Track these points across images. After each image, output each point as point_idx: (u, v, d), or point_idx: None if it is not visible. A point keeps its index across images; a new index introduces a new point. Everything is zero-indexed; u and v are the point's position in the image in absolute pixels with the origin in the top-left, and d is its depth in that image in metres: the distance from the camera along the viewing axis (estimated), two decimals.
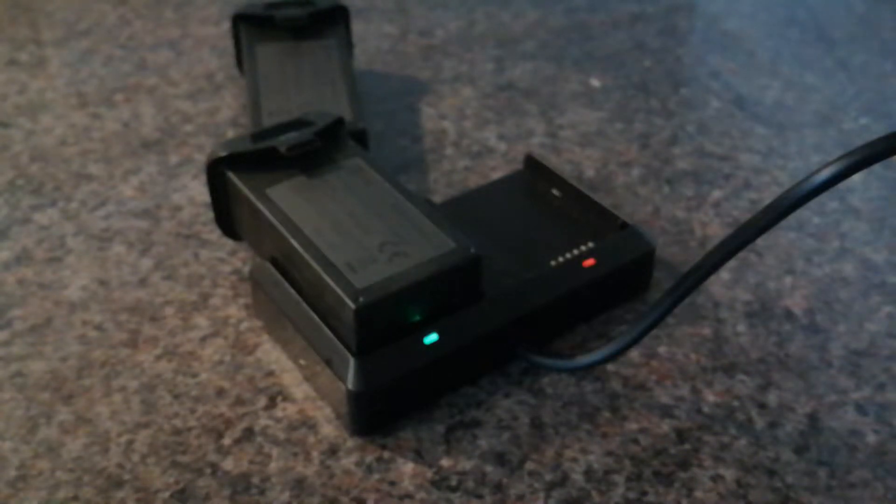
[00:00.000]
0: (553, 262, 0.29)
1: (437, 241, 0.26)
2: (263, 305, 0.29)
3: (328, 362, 0.25)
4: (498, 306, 0.27)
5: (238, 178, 0.29)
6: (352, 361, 0.25)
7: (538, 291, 0.28)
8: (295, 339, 0.27)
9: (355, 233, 0.26)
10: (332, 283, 0.25)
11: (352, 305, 0.24)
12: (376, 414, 0.26)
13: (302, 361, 0.27)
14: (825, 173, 0.21)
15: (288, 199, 0.28)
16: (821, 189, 0.21)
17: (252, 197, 0.28)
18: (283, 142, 0.29)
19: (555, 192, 0.32)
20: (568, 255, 0.29)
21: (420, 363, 0.25)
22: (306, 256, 0.26)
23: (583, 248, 0.29)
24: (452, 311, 0.26)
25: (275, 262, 0.28)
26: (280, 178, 0.28)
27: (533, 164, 0.33)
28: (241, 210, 0.29)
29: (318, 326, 0.26)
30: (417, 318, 0.26)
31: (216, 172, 0.29)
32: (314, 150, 0.29)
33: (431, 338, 0.26)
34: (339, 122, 0.30)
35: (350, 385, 0.25)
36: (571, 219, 0.31)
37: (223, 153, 0.29)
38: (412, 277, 0.25)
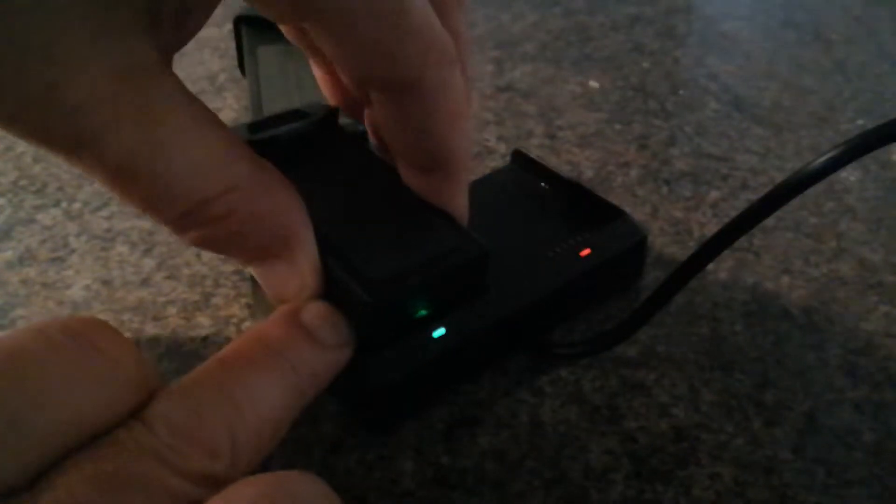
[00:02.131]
0: (550, 253, 0.29)
1: (444, 236, 0.26)
2: (264, 305, 0.29)
3: None
4: (502, 298, 0.27)
5: None
6: (362, 358, 0.25)
7: (540, 282, 0.28)
8: None
9: (361, 226, 0.26)
10: (342, 278, 0.24)
11: (364, 301, 0.24)
12: (388, 410, 0.26)
13: None
14: (822, 160, 0.21)
15: None
16: (822, 174, 0.22)
17: None
18: (282, 132, 0.28)
19: (544, 184, 0.33)
20: (564, 246, 0.29)
21: (429, 358, 0.25)
22: None
23: (578, 238, 0.30)
24: (459, 306, 0.26)
25: None
26: (280, 170, 0.28)
27: (521, 159, 0.34)
28: None
29: None
30: (424, 312, 0.26)
31: None
32: (314, 140, 0.29)
33: (439, 332, 0.26)
34: (334, 112, 0.30)
35: (362, 382, 0.25)
36: (563, 210, 0.31)
37: None
38: (423, 273, 0.25)
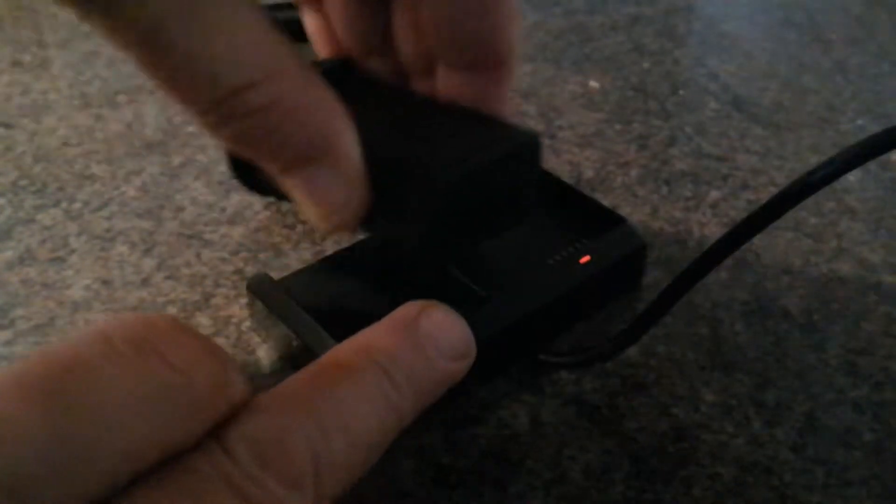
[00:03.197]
0: (550, 261, 0.29)
1: (496, 128, 0.24)
2: (261, 317, 0.29)
3: None
4: (504, 307, 0.27)
5: None
6: None
7: (541, 290, 0.28)
8: (301, 353, 0.27)
9: (409, 133, 0.24)
10: (404, 168, 0.22)
11: (439, 179, 0.21)
12: None
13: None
14: (826, 167, 0.21)
15: None
16: (828, 179, 0.22)
17: None
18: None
19: (539, 189, 0.32)
20: (564, 253, 0.29)
21: None
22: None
23: (577, 245, 0.30)
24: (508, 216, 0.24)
25: None
26: None
27: None
28: None
29: (324, 337, 0.26)
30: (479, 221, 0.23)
31: None
32: (335, 82, 0.25)
33: None
34: (350, 58, 0.27)
35: None
36: (560, 216, 0.31)
37: None
38: (485, 155, 0.22)
